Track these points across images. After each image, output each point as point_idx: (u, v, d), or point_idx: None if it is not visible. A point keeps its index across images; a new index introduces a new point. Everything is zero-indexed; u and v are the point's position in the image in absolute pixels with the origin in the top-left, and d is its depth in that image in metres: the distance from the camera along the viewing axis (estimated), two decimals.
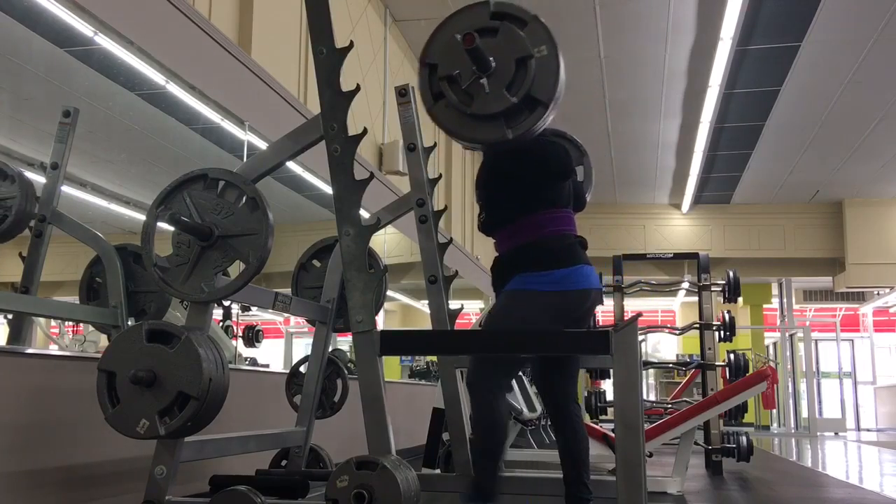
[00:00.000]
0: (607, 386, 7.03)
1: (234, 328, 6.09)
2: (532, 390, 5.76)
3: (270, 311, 5.22)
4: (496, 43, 2.16)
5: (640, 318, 2.20)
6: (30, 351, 2.90)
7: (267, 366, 6.86)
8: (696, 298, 5.75)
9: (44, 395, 2.51)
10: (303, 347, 11.20)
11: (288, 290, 3.38)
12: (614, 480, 2.03)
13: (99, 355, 2.27)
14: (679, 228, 13.15)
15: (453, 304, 3.29)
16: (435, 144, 3.38)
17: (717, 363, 5.61)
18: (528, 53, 2.13)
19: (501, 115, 2.17)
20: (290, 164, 4.41)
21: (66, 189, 3.33)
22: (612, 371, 2.09)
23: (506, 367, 2.64)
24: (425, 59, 2.22)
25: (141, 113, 4.40)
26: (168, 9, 3.53)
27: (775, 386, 13.10)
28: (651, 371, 14.91)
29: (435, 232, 3.20)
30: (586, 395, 6.79)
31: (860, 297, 15.38)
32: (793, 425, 14.33)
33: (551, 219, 2.62)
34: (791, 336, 14.71)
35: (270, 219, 2.26)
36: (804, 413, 13.97)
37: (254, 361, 6.70)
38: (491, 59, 2.14)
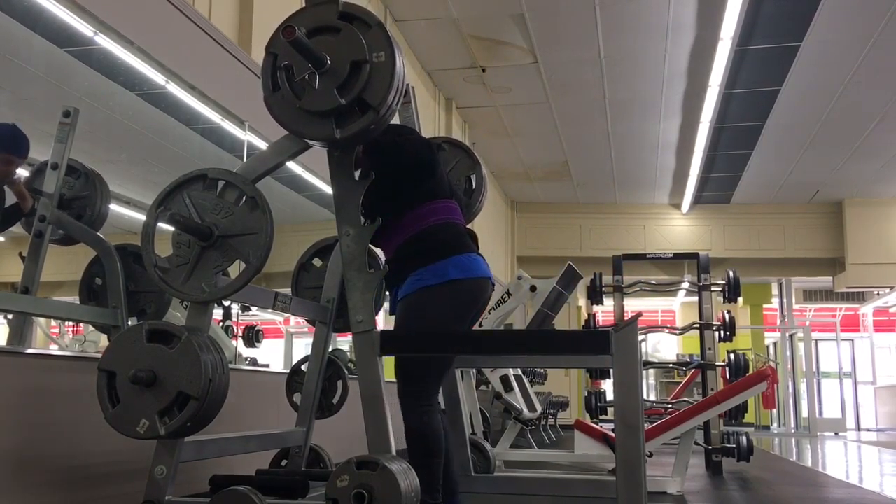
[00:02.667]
0: (607, 386, 7.03)
1: (234, 328, 6.09)
2: (532, 390, 5.76)
3: (270, 311, 5.21)
4: (336, 43, 2.14)
5: (640, 318, 2.20)
6: (30, 351, 2.90)
7: (267, 366, 6.86)
8: (696, 298, 5.75)
9: (44, 395, 2.51)
10: (303, 347, 11.20)
11: (288, 290, 3.38)
12: (614, 480, 2.03)
13: (99, 355, 2.27)
14: (679, 228, 13.14)
15: None
16: None
17: (717, 363, 5.61)
18: (363, 57, 2.12)
19: (331, 115, 2.15)
20: (290, 164, 4.42)
21: None
22: (612, 371, 2.08)
23: (431, 377, 2.52)
24: (269, 48, 2.20)
25: (141, 113, 4.40)
26: (168, 9, 3.54)
27: (775, 386, 13.11)
28: (651, 371, 14.92)
29: None
30: (586, 395, 6.79)
31: (860, 297, 15.37)
32: (793, 425, 14.32)
33: (432, 209, 2.54)
34: (791, 336, 14.70)
35: (271, 218, 2.26)
36: (804, 413, 13.96)
37: (254, 361, 6.70)
38: (327, 57, 2.12)
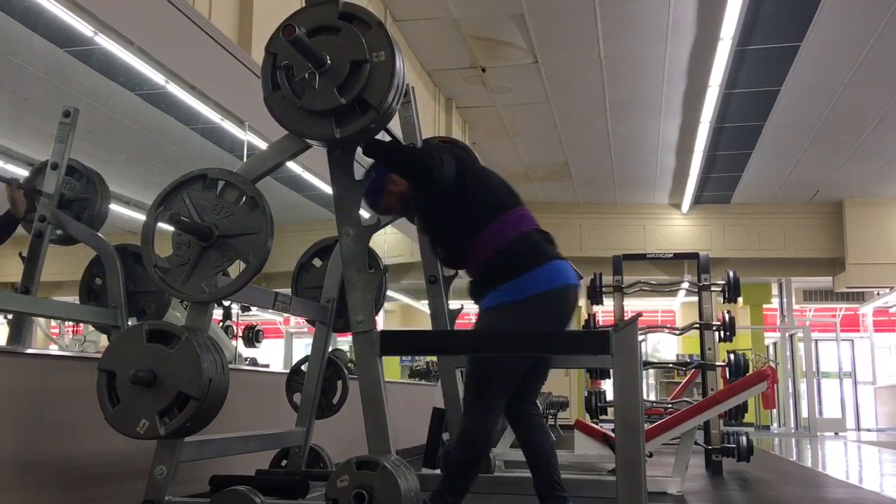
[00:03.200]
0: (607, 386, 7.03)
1: (234, 328, 6.09)
2: None
3: (270, 311, 5.21)
4: (336, 42, 2.16)
5: (640, 318, 2.20)
6: (30, 351, 2.90)
7: (267, 366, 6.87)
8: (696, 298, 5.74)
9: (44, 395, 2.51)
10: (303, 347, 11.21)
11: (288, 290, 3.38)
12: (614, 480, 2.03)
13: (99, 355, 2.27)
14: (679, 228, 13.14)
15: (453, 304, 3.30)
16: None
17: (717, 363, 5.61)
18: (363, 57, 2.13)
19: (331, 114, 2.16)
20: (290, 164, 4.42)
21: None
22: (612, 371, 2.08)
23: (501, 388, 2.53)
24: (269, 48, 2.22)
25: (141, 113, 4.40)
26: (168, 9, 3.53)
27: (775, 386, 13.10)
28: (651, 371, 14.91)
29: None
30: (586, 395, 6.79)
31: (860, 297, 15.36)
32: (793, 425, 14.32)
33: (506, 223, 2.53)
34: (791, 336, 14.70)
35: (270, 218, 2.26)
36: (804, 413, 13.96)
37: (254, 361, 6.71)
38: (327, 56, 2.14)
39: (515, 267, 2.47)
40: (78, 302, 3.35)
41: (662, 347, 17.47)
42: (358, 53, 2.14)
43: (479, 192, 2.55)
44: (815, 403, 13.61)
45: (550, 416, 9.80)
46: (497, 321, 2.48)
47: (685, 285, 8.57)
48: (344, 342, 8.17)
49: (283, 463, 3.19)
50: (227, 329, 5.93)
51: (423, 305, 4.70)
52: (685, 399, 7.23)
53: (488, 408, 2.49)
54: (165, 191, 2.32)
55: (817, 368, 15.37)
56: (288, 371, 3.45)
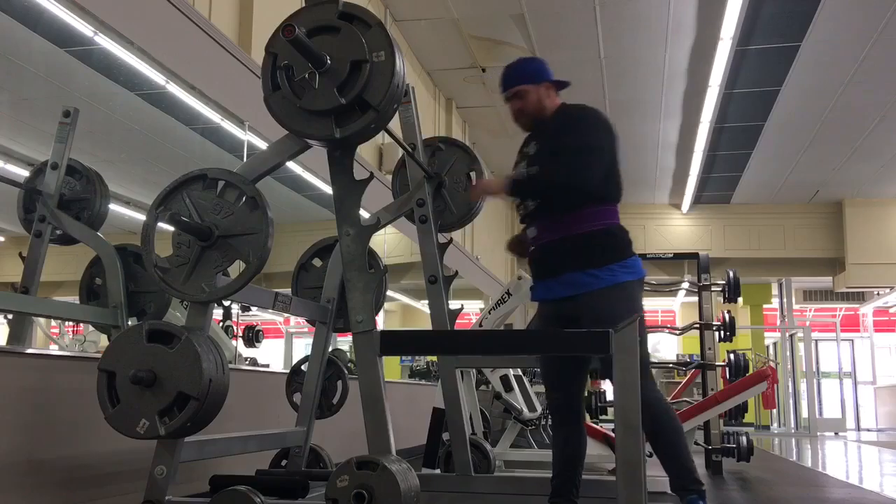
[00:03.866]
0: (607, 386, 7.03)
1: (234, 328, 6.09)
2: (532, 390, 5.76)
3: (270, 311, 5.21)
4: (336, 42, 2.17)
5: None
6: (30, 351, 2.90)
7: (267, 366, 6.87)
8: (696, 298, 5.74)
9: (44, 395, 2.51)
10: (303, 347, 11.21)
11: (288, 290, 3.38)
12: (614, 480, 2.03)
13: (99, 355, 2.27)
14: (679, 228, 13.14)
15: (453, 304, 3.30)
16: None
17: (717, 363, 5.60)
18: (363, 57, 2.14)
19: (331, 114, 2.17)
20: (290, 164, 4.41)
21: None
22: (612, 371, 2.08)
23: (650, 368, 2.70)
24: (269, 48, 2.23)
25: (141, 113, 4.40)
26: (168, 9, 3.53)
27: (775, 386, 13.09)
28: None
29: (435, 232, 3.21)
30: (586, 395, 6.78)
31: (860, 297, 15.37)
32: (793, 425, 14.32)
33: (614, 211, 2.70)
34: (791, 336, 14.70)
35: (270, 218, 2.26)
36: (804, 413, 13.96)
37: (254, 361, 6.71)
38: (327, 56, 2.15)
39: (624, 249, 2.64)
40: (78, 302, 3.35)
41: (662, 347, 17.45)
42: (358, 53, 2.14)
43: (610, 173, 2.69)
44: (815, 403, 13.62)
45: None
46: (623, 298, 2.57)
47: (685, 285, 8.57)
48: (344, 342, 8.17)
49: (283, 463, 3.19)
50: (227, 329, 5.93)
51: (423, 305, 4.71)
52: (685, 399, 7.22)
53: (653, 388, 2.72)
54: (165, 191, 2.32)
55: (817, 368, 15.36)
56: (288, 371, 3.45)
